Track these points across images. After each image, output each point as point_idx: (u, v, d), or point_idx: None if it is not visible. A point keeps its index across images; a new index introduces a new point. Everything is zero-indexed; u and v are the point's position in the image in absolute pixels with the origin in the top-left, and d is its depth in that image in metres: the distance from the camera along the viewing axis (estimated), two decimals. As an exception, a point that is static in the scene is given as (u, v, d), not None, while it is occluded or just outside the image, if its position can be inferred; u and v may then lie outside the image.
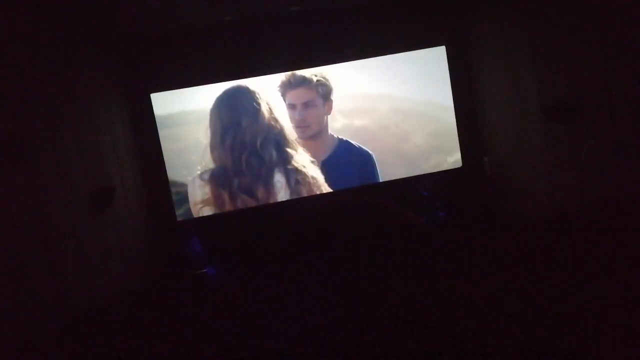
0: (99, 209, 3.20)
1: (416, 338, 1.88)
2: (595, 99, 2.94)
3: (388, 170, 4.62)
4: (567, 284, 2.17)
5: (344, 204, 4.03)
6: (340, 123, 4.52)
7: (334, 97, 4.47)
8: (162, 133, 4.37)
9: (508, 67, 3.93)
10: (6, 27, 2.49)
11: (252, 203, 4.41)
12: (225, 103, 4.37)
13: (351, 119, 4.55)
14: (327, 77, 4.46)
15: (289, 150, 4.38)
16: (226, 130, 4.35)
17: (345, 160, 4.52)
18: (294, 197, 4.43)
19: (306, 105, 4.42)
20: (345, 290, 2.60)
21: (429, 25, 4.58)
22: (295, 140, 4.41)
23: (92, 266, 2.98)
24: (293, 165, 4.39)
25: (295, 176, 4.40)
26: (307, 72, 4.43)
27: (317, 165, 4.48)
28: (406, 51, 4.55)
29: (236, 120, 4.36)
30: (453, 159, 4.70)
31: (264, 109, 4.36)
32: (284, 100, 4.42)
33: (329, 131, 4.50)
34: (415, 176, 4.64)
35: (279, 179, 4.39)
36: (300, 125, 4.42)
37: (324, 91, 4.44)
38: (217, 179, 4.38)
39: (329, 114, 4.48)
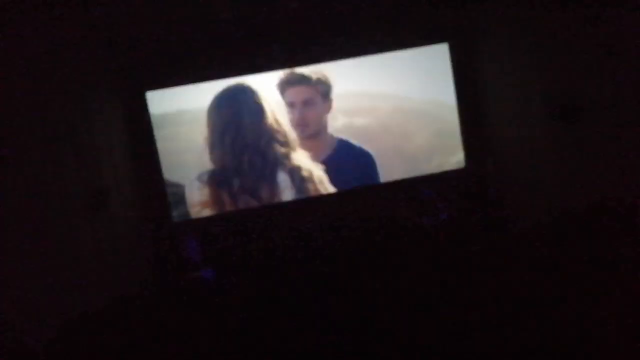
0: (94, 210, 3.16)
1: (417, 338, 1.90)
2: (601, 99, 2.92)
3: (389, 171, 4.55)
4: (570, 285, 2.19)
5: (344, 206, 4.01)
6: (340, 122, 4.46)
7: (334, 95, 4.40)
8: (157, 132, 4.30)
9: (512, 66, 3.89)
10: (2, 28, 2.46)
11: (254, 204, 4.33)
12: (225, 101, 4.29)
13: (351, 118, 4.49)
14: (327, 75, 4.39)
15: (292, 150, 4.30)
16: (226, 129, 4.26)
17: (344, 160, 4.45)
18: (300, 196, 4.34)
19: (305, 103, 4.35)
20: (345, 291, 2.58)
21: (432, 23, 4.50)
22: (296, 139, 4.34)
23: (87, 268, 2.94)
24: (298, 165, 4.31)
25: (300, 174, 4.31)
26: (306, 70, 4.36)
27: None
28: (408, 48, 4.47)
29: (237, 119, 4.27)
30: (456, 159, 4.63)
31: (267, 108, 4.29)
32: (283, 99, 4.35)
33: (329, 131, 4.44)
34: (418, 177, 4.57)
35: (283, 178, 4.30)
36: (299, 124, 4.34)
37: (323, 89, 4.37)
38: (217, 180, 4.30)
39: (329, 113, 4.41)
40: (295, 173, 4.31)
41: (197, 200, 4.31)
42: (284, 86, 4.34)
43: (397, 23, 4.45)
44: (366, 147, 4.47)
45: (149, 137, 4.28)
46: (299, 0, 3.89)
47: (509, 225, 4.17)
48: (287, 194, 4.33)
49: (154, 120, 4.28)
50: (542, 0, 3.36)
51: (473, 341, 1.89)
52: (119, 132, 4.02)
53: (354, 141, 4.46)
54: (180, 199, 4.33)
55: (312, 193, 4.37)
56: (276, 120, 4.29)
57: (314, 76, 4.35)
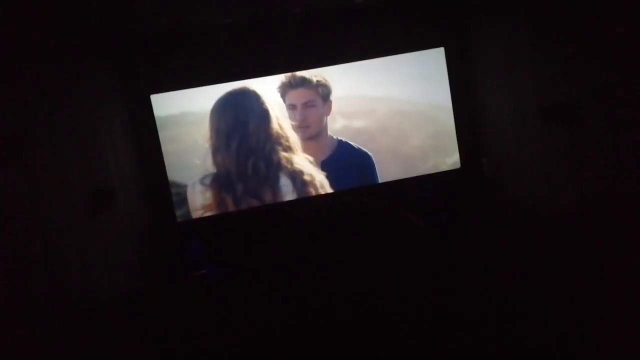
0: (98, 210, 3.18)
1: (417, 338, 1.88)
2: (595, 99, 2.95)
3: (387, 172, 4.63)
4: (567, 285, 2.18)
5: (346, 207, 4.02)
6: (339, 124, 4.53)
7: (333, 98, 4.48)
8: (162, 134, 4.36)
9: (507, 67, 3.94)
10: (5, 28, 2.48)
11: (256, 205, 4.40)
12: (230, 105, 4.35)
13: (350, 120, 4.56)
14: (327, 78, 4.46)
15: (294, 154, 4.38)
16: (232, 133, 4.32)
17: (344, 161, 4.52)
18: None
19: (306, 105, 4.42)
20: (345, 291, 2.61)
21: (428, 27, 4.60)
22: (298, 143, 4.41)
23: (91, 267, 2.96)
24: (299, 169, 4.39)
25: (301, 179, 4.39)
26: (306, 73, 4.43)
27: (317, 166, 4.48)
28: (405, 52, 4.56)
29: (242, 123, 4.34)
30: (452, 160, 4.71)
31: (271, 113, 4.36)
32: (284, 102, 4.42)
33: (329, 132, 4.51)
34: (414, 177, 4.65)
35: (284, 182, 4.38)
36: (300, 125, 4.42)
37: (324, 92, 4.45)
38: (221, 183, 4.36)
39: (329, 114, 4.49)
40: (297, 177, 4.38)
41: (200, 203, 4.36)
42: (285, 89, 4.40)
43: (395, 28, 4.54)
44: (365, 148, 4.55)
45: (154, 139, 4.34)
46: (300, 5, 3.97)
47: (504, 224, 4.22)
48: (289, 198, 4.41)
49: (158, 122, 4.34)
50: (536, 3, 3.41)
51: (473, 341, 1.88)
52: (123, 134, 4.06)
53: (353, 142, 4.54)
54: (184, 199, 4.39)
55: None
56: (280, 125, 4.37)
57: (315, 79, 4.43)
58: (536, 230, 2.97)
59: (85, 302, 2.76)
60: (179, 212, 4.41)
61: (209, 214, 4.39)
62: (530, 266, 2.50)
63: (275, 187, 4.37)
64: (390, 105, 4.60)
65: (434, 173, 4.68)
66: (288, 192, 4.39)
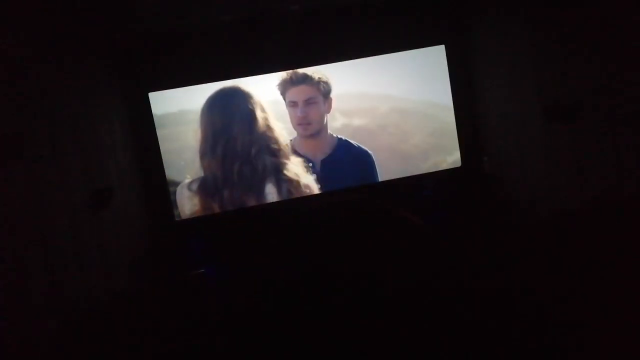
0: (97, 209, 3.17)
1: (417, 337, 1.89)
2: (596, 98, 2.94)
3: (387, 170, 4.61)
4: (566, 285, 2.18)
5: (343, 205, 4.01)
6: (339, 122, 4.52)
7: (333, 95, 4.46)
8: (160, 132, 4.34)
9: (508, 66, 3.93)
10: (5, 28, 2.48)
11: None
12: (218, 105, 4.31)
13: (350, 118, 4.55)
14: (327, 75, 4.44)
15: (282, 159, 4.34)
16: (218, 136, 4.28)
17: (344, 159, 4.51)
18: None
19: (308, 102, 4.39)
20: (344, 290, 2.61)
21: (429, 25, 4.57)
22: (287, 147, 4.36)
23: (90, 266, 2.96)
24: (286, 175, 4.34)
25: (287, 187, 4.34)
26: (307, 70, 4.42)
27: (317, 164, 4.47)
28: (406, 50, 4.54)
29: (228, 126, 4.29)
30: (452, 158, 4.70)
31: (259, 114, 4.31)
32: (284, 99, 4.39)
33: (329, 130, 4.51)
34: (414, 176, 4.64)
35: (270, 190, 4.34)
36: (301, 123, 4.39)
37: (325, 89, 4.43)
38: (207, 189, 4.32)
39: (329, 112, 4.47)
40: (282, 185, 4.33)
41: (188, 208, 4.34)
42: (286, 86, 4.37)
43: (395, 26, 4.52)
44: (365, 146, 4.54)
45: (152, 137, 4.32)
46: (299, 3, 3.96)
47: (505, 223, 4.21)
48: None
49: (156, 120, 4.33)
50: (536, 3, 3.40)
51: (473, 341, 1.88)
52: (122, 132, 4.05)
53: (353, 141, 4.53)
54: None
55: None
56: (268, 126, 4.32)
57: (316, 76, 4.41)
58: (536, 230, 2.97)
59: (85, 301, 2.76)
60: (177, 211, 4.40)
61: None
62: (530, 266, 2.49)
63: (260, 195, 4.33)
64: (391, 103, 4.59)
65: (434, 171, 4.67)
66: (273, 201, 4.36)
